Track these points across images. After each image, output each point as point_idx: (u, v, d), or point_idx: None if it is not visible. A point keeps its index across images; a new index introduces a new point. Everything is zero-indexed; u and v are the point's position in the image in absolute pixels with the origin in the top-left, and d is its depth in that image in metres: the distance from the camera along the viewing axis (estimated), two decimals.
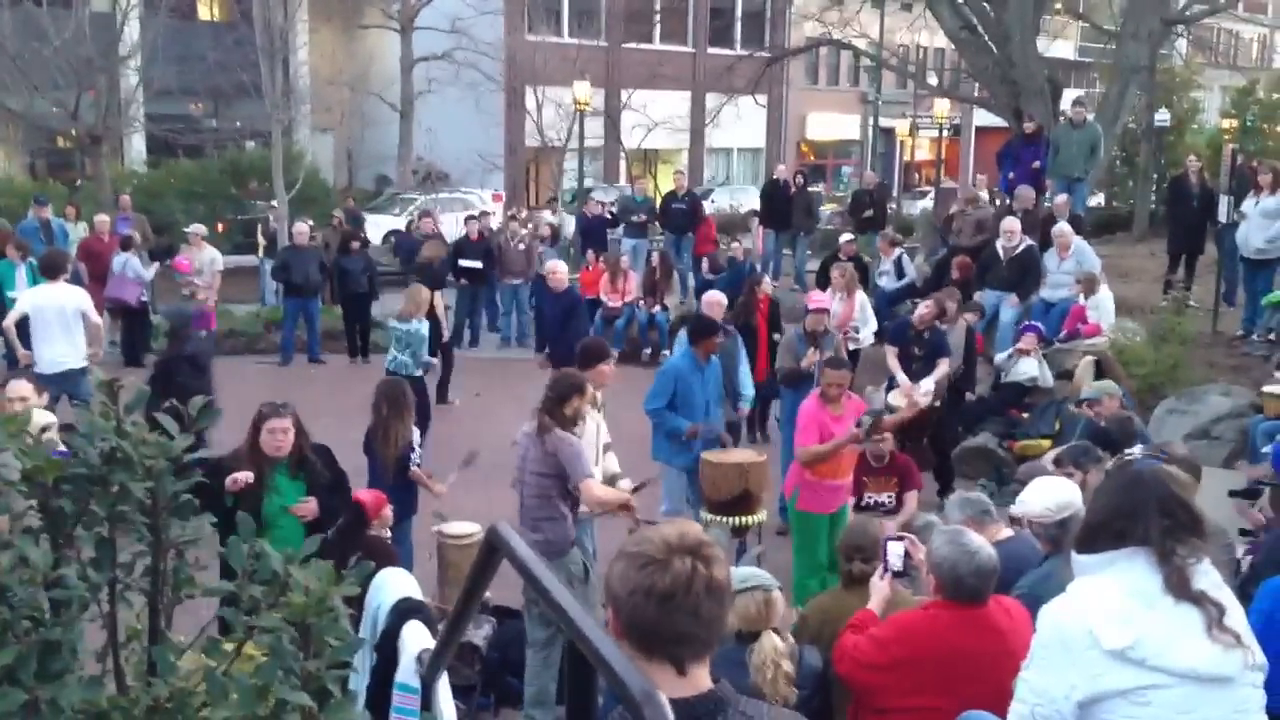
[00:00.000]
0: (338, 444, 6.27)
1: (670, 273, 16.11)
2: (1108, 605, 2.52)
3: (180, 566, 1.79)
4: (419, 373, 10.10)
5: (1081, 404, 8.37)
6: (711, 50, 34.12)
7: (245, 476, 5.47)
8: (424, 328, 10.35)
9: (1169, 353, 10.59)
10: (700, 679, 1.92)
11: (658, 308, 14.88)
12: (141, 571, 1.78)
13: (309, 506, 5.67)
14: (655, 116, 29.65)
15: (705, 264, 15.45)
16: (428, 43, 27.26)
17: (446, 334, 12.39)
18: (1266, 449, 5.36)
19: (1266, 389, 8.33)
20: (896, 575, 4.26)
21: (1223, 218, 12.41)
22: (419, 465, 7.15)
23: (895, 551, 4.27)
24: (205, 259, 14.44)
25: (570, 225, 20.34)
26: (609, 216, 18.16)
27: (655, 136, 30.38)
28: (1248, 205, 11.75)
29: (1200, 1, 20.45)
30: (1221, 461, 8.74)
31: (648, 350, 14.49)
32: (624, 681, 1.40)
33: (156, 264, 15.10)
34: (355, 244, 15.51)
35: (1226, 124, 27.40)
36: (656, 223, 17.56)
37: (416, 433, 7.25)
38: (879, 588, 4.23)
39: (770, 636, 3.99)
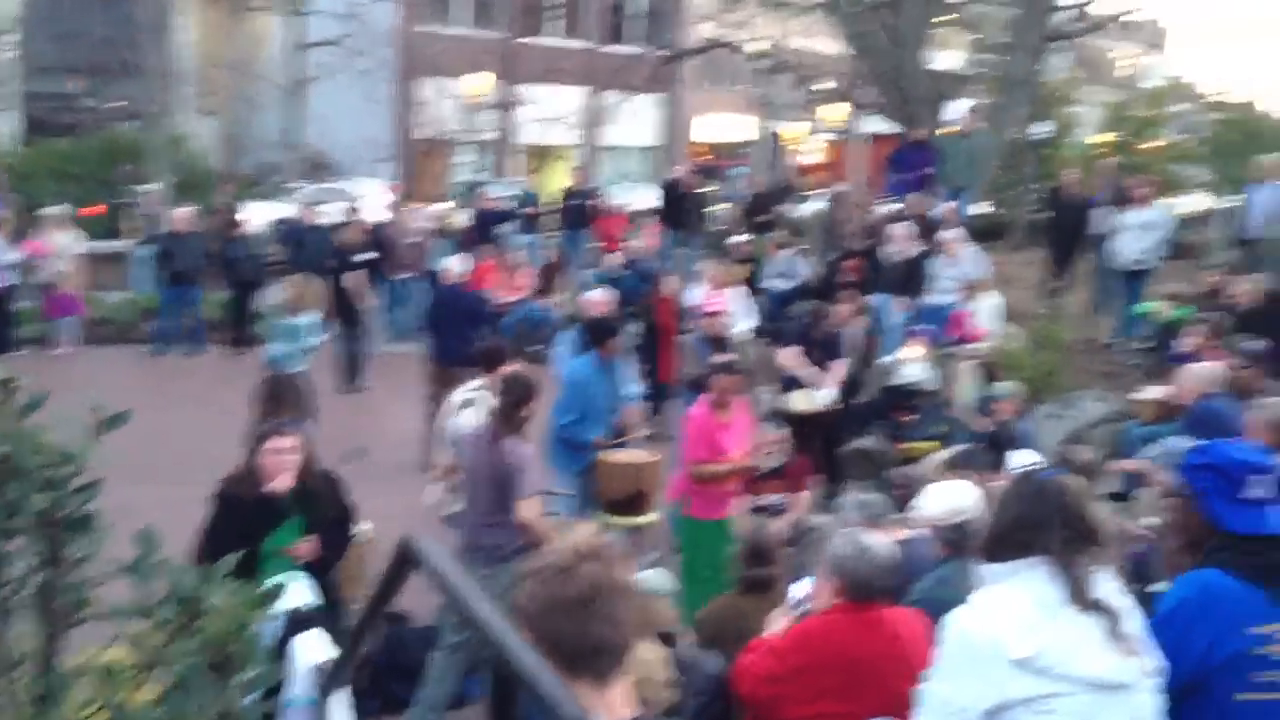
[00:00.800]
0: (223, 439, 6.07)
1: (564, 269, 16.06)
2: (1013, 615, 2.57)
3: (77, 585, 1.68)
4: (302, 367, 9.84)
5: (990, 405, 8.46)
6: (609, 47, 34.11)
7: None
8: (313, 319, 10.08)
9: (1046, 359, 10.93)
10: (622, 702, 1.89)
11: (551, 305, 14.79)
12: (34, 589, 1.66)
13: (309, 546, 4.91)
14: (551, 112, 29.52)
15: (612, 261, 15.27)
16: (319, 27, 26.65)
17: (364, 319, 12.33)
18: (1154, 452, 5.56)
19: (1141, 395, 8.63)
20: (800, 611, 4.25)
21: (1099, 229, 12.87)
22: None
23: (800, 591, 4.26)
24: (63, 242, 13.94)
25: (462, 219, 20.08)
26: (503, 211, 18.00)
27: (551, 132, 30.25)
28: (1124, 217, 12.19)
29: (1080, 20, 21.14)
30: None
31: (540, 348, 14.38)
32: (554, 703, 1.36)
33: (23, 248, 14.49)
34: (241, 231, 15.09)
35: (1102, 138, 28.44)
36: (558, 216, 17.48)
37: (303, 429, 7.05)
38: (780, 622, 4.20)
39: (645, 643, 3.97)
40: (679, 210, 17.18)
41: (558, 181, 24.63)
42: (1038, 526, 2.62)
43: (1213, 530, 2.90)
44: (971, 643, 2.59)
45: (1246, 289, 9.34)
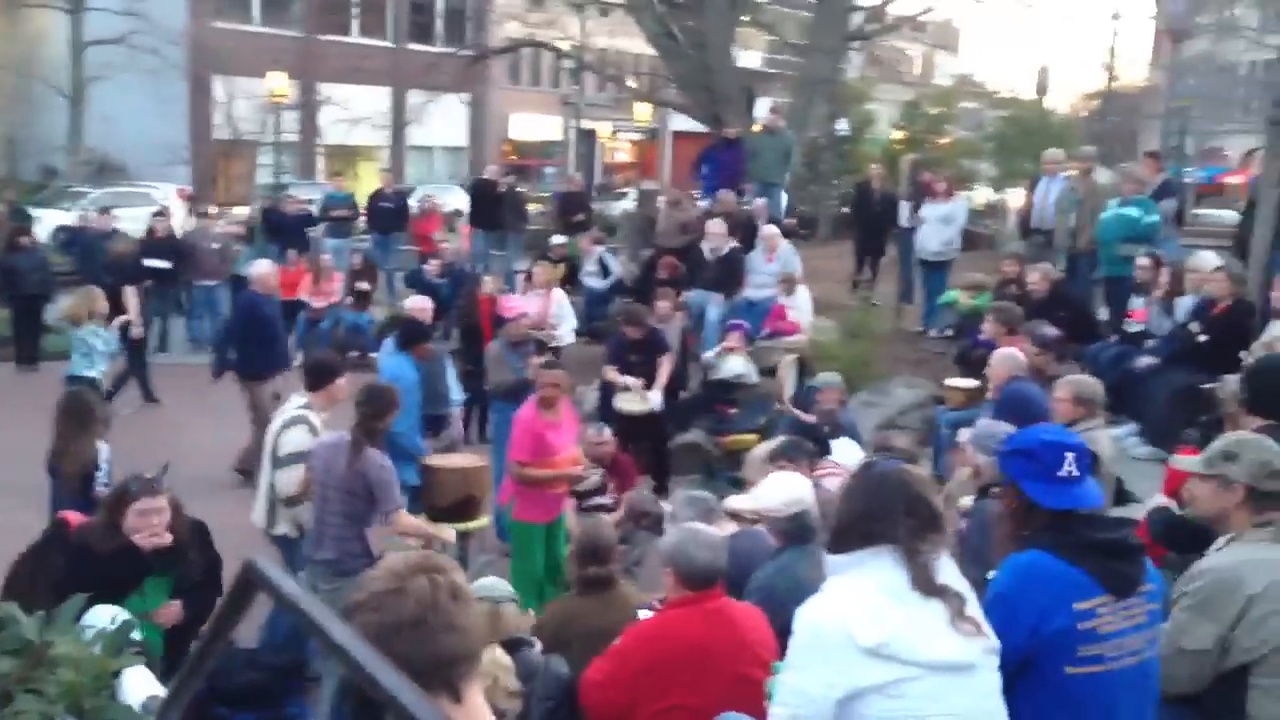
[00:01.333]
0: (7, 460, 5.65)
1: (375, 273, 15.68)
2: (862, 604, 2.60)
3: None
4: (93, 374, 9.27)
5: (813, 396, 8.64)
6: (412, 46, 33.53)
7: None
8: (98, 330, 9.50)
9: (859, 349, 11.28)
10: (481, 711, 1.83)
11: (364, 310, 14.42)
12: None
13: (171, 611, 4.62)
14: (355, 112, 28.80)
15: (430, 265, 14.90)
16: (101, 25, 25.26)
17: (138, 332, 11.66)
18: (962, 438, 5.77)
19: (949, 382, 8.99)
20: None
21: (903, 222, 13.38)
22: (106, 485, 6.54)
23: None
24: None
25: (265, 223, 19.34)
26: (310, 215, 17.43)
27: (356, 133, 29.52)
28: (925, 211, 12.72)
29: (875, 21, 21.96)
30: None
31: (355, 353, 13.99)
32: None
33: None
34: (25, 240, 14.14)
35: (898, 135, 29.64)
36: (363, 220, 17.03)
37: (105, 448, 6.63)
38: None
39: (489, 649, 3.90)
40: (492, 211, 16.99)
41: (370, 183, 24.07)
42: (883, 516, 2.66)
43: (1034, 512, 3.02)
44: (822, 633, 2.61)
45: (1037, 277, 9.84)
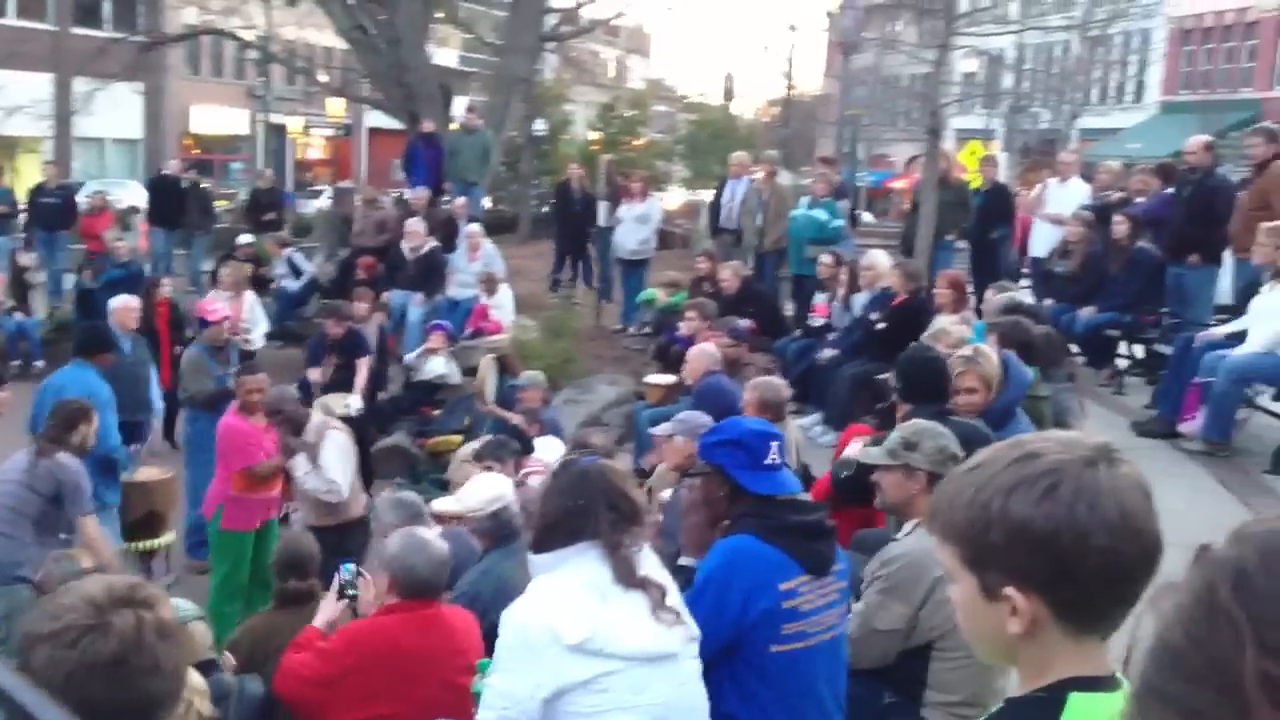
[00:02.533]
0: None
1: (38, 274, 14.38)
2: (566, 602, 2.61)
3: None
4: None
5: (515, 395, 8.60)
6: (77, 30, 31.01)
7: None
8: None
9: (562, 347, 11.43)
10: None
11: (27, 315, 13.20)
12: None
13: None
14: (12, 100, 26.31)
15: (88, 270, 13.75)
16: None
17: None
18: (661, 431, 5.92)
19: (648, 378, 9.24)
20: (346, 597, 4.10)
21: (601, 221, 13.63)
22: None
23: (348, 571, 4.13)
24: None
25: None
26: None
27: (13, 122, 26.97)
28: (622, 211, 13.01)
29: (569, 23, 22.27)
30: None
31: (17, 362, 12.79)
32: None
33: None
34: None
35: (594, 136, 30.24)
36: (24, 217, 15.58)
37: None
38: (328, 605, 4.06)
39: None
40: (174, 208, 15.97)
41: (31, 177, 22.07)
42: (584, 512, 2.68)
43: (740, 498, 3.14)
44: (528, 634, 2.60)
45: (729, 275, 10.28)
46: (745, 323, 9.13)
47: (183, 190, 16.08)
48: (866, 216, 24.34)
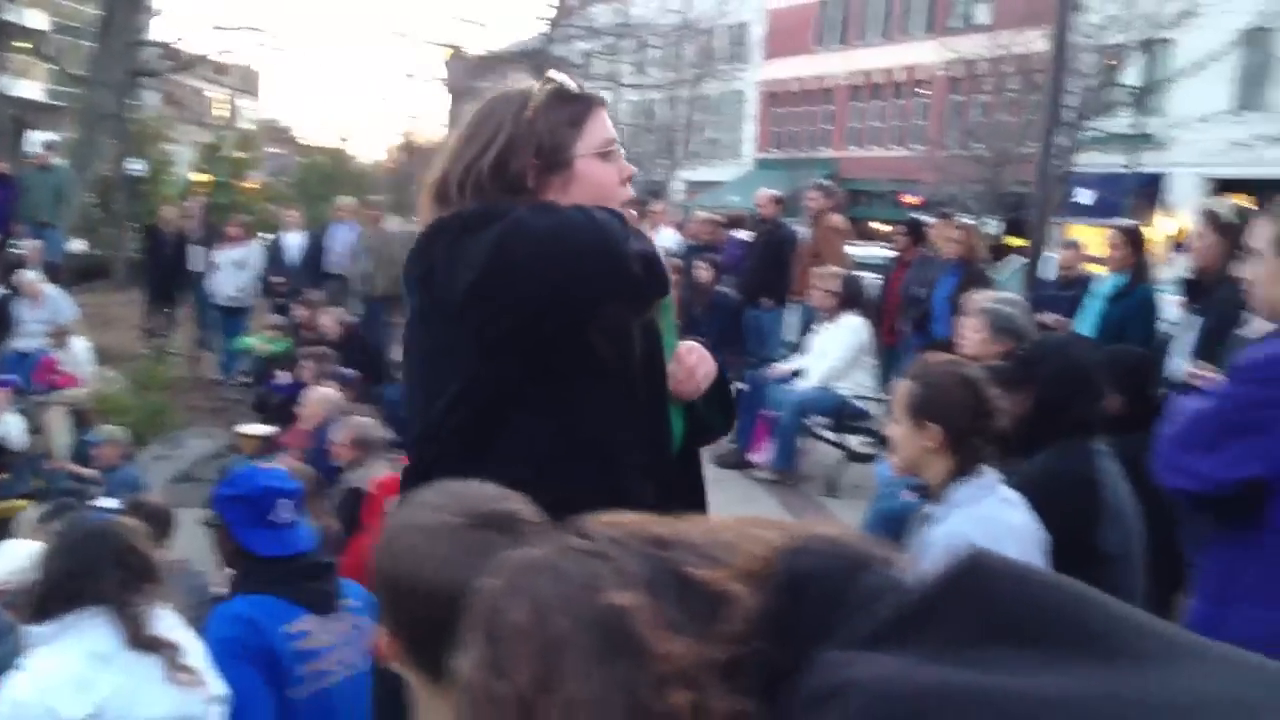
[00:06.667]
0: None
1: None
2: (65, 674, 2.42)
3: None
4: None
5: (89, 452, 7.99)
6: None
7: None
8: None
9: (152, 399, 10.74)
10: None
11: None
12: None
13: None
14: None
15: None
16: None
17: None
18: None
19: (240, 429, 8.85)
20: None
21: (197, 266, 12.92)
22: None
23: None
24: None
25: None
26: None
27: None
28: (218, 255, 12.43)
29: (169, 58, 21.12)
30: (203, 502, 9.07)
31: None
32: None
33: None
34: None
35: (199, 177, 28.71)
36: None
37: None
38: None
39: None
40: None
41: None
42: (89, 573, 2.52)
43: (246, 556, 3.04)
44: (26, 715, 2.39)
45: (330, 321, 10.08)
46: (351, 371, 9.03)
47: None
48: None
